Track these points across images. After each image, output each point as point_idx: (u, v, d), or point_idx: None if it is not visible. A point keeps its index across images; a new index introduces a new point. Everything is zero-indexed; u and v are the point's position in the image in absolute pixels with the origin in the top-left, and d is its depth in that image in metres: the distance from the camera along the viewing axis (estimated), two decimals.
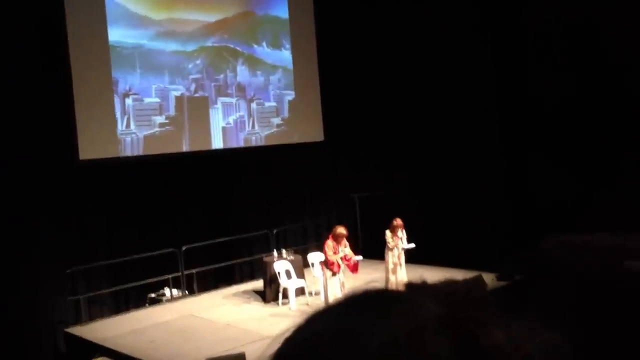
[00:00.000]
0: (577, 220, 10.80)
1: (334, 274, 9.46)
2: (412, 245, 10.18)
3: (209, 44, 12.64)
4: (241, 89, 13.07)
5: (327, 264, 9.51)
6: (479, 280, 9.54)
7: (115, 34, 11.25)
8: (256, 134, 13.22)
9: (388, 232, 10.15)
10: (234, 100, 12.97)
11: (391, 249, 10.11)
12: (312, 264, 10.90)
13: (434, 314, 0.56)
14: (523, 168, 11.98)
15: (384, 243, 10.21)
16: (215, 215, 12.23)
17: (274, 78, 13.55)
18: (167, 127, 11.93)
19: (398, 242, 10.10)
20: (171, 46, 12.05)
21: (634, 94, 10.63)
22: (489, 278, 10.15)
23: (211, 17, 12.65)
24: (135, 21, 11.56)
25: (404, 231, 10.20)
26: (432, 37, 13.16)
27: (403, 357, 0.53)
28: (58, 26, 10.36)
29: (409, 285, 0.64)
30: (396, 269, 10.10)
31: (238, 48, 13.08)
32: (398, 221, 10.13)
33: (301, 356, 0.57)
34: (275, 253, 11.28)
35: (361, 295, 0.62)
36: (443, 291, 0.61)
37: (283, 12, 13.78)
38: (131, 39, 11.50)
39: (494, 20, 12.20)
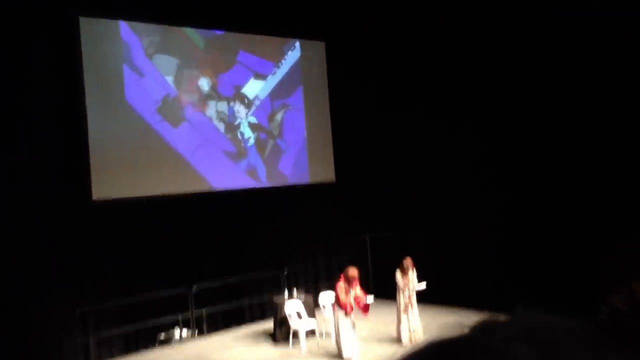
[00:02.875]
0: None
1: (346, 314, 9.39)
2: (423, 285, 10.10)
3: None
4: (253, 129, 13.18)
5: (339, 305, 9.44)
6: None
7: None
8: (268, 175, 13.26)
9: (398, 273, 10.10)
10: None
11: (402, 290, 10.04)
12: (324, 306, 10.82)
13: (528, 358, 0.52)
14: (536, 207, 11.90)
15: (395, 283, 10.14)
16: (226, 255, 12.20)
17: (285, 119, 13.66)
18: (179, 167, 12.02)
19: (409, 282, 10.03)
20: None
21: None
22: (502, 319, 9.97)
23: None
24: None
25: (414, 271, 10.13)
26: (441, 78, 13.27)
27: None
28: (75, 68, 10.57)
29: (486, 330, 0.59)
30: (407, 310, 10.00)
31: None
32: (408, 261, 10.08)
33: None
34: (286, 293, 11.23)
35: (444, 346, 0.58)
36: (526, 330, 0.57)
37: (296, 53, 13.97)
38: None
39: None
